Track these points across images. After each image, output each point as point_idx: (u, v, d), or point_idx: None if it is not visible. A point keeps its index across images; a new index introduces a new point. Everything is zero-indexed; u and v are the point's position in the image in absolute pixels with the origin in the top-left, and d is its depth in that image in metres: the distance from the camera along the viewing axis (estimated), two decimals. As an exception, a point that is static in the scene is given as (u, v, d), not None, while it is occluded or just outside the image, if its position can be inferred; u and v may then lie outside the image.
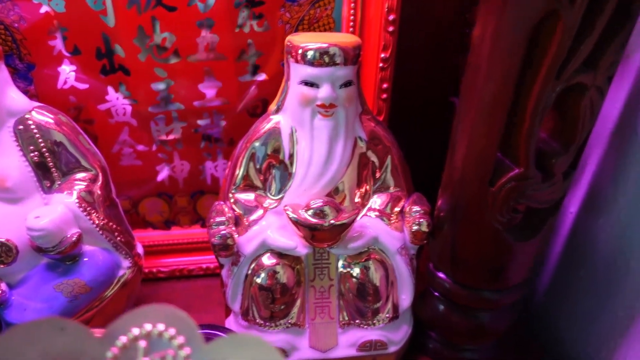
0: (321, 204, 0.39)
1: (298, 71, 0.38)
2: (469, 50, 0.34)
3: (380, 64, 0.46)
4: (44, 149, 0.39)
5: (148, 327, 0.22)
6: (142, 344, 0.21)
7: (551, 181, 0.34)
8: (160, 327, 0.22)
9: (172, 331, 0.22)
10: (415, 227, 0.41)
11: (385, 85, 0.48)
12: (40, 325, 0.21)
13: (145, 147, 0.50)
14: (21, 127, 0.39)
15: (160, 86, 0.47)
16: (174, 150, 0.51)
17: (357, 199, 0.43)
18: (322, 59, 0.37)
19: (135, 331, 0.21)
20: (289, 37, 0.39)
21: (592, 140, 0.45)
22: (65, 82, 0.45)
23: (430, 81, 0.53)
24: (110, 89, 0.46)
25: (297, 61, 0.38)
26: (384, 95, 0.48)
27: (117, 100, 0.47)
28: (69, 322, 0.21)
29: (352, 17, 0.45)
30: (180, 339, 0.22)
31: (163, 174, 0.52)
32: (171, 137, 0.50)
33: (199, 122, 0.50)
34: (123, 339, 0.21)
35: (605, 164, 0.44)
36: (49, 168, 0.40)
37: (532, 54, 0.29)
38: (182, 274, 0.54)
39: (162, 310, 0.22)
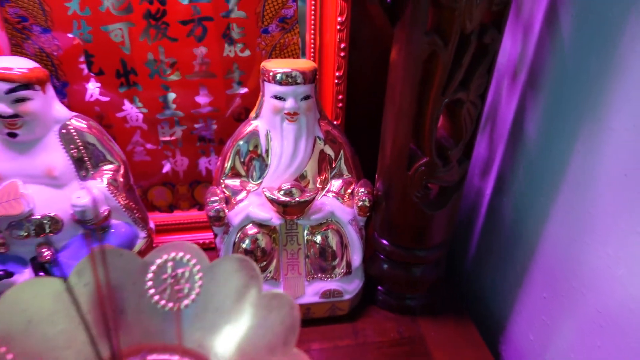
0: (289, 186, 0.52)
1: (270, 88, 0.51)
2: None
3: (336, 80, 0.59)
4: (81, 147, 0.52)
5: (172, 254, 0.35)
6: (170, 264, 0.35)
7: (449, 166, 0.48)
8: (180, 254, 0.35)
9: (188, 256, 0.35)
10: (360, 203, 0.54)
11: (340, 97, 0.61)
12: (110, 252, 0.34)
13: (153, 146, 0.62)
14: (64, 131, 0.51)
15: (165, 98, 0.60)
16: (176, 148, 0.63)
17: (318, 184, 0.56)
18: (287, 79, 0.50)
19: (165, 257, 0.35)
20: (263, 63, 0.52)
21: (495, 138, 0.59)
22: (91, 96, 0.58)
23: (376, 93, 0.66)
24: (126, 101, 0.59)
25: (269, 81, 0.51)
26: (340, 105, 0.62)
27: (131, 109, 0.59)
28: (124, 251, 0.35)
29: (312, 45, 0.58)
30: (193, 261, 0.35)
31: (167, 167, 0.64)
32: (173, 138, 0.62)
33: (196, 125, 0.62)
34: (158, 261, 0.35)
35: (506, 157, 0.57)
36: (84, 161, 0.52)
37: (426, 78, 0.43)
38: (182, 248, 0.67)
39: (180, 244, 0.36)
